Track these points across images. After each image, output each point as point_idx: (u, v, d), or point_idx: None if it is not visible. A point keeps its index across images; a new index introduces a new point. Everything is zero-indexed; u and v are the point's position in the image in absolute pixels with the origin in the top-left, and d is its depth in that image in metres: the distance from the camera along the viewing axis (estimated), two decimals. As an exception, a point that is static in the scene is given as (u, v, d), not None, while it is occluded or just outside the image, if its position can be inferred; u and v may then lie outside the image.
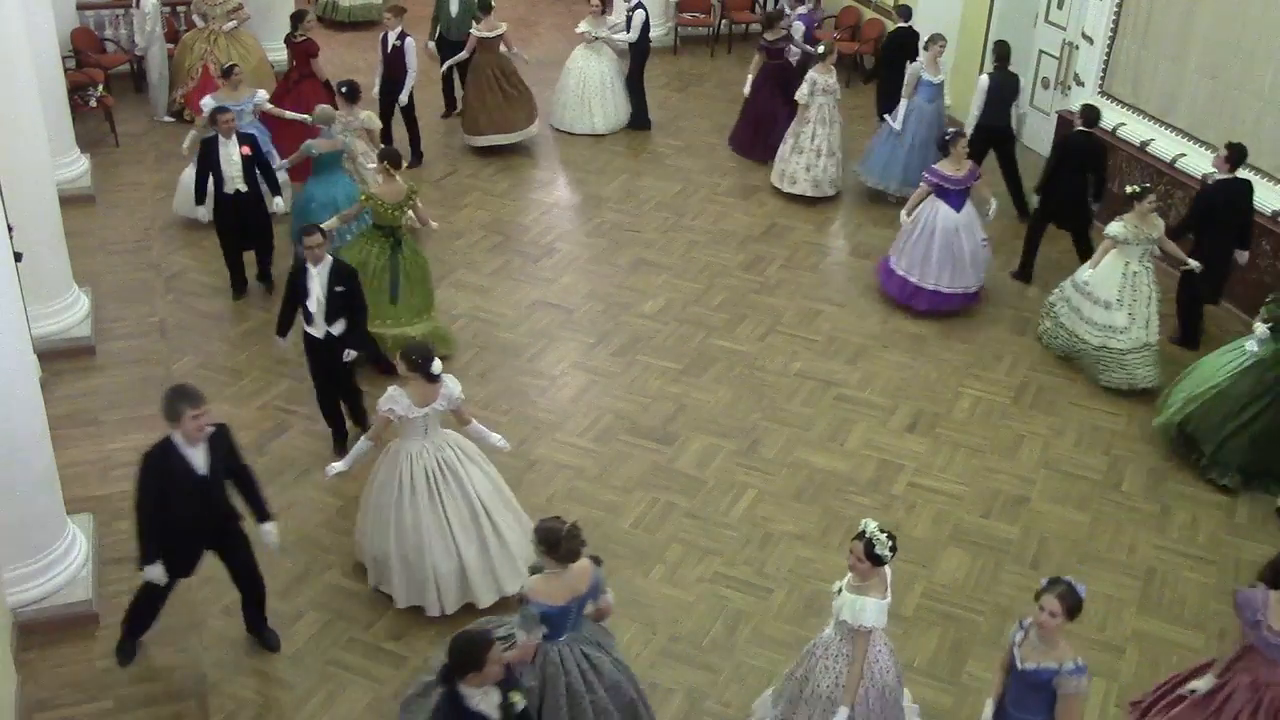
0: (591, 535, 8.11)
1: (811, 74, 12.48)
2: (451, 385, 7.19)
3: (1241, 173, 9.95)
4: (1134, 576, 8.02)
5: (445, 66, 13.80)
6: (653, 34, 16.62)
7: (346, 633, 7.34)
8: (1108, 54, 12.31)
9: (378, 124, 11.64)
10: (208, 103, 11.03)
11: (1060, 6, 13.14)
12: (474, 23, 13.16)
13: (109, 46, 14.76)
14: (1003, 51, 12.04)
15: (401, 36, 12.72)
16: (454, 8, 13.54)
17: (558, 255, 11.68)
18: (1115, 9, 12.13)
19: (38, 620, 7.17)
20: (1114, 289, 9.61)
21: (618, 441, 9.11)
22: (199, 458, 6.41)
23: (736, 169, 13.60)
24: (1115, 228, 9.53)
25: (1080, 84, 12.60)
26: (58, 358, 9.59)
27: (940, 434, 9.32)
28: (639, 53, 14.29)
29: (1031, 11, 13.55)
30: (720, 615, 7.56)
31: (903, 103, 12.50)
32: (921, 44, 12.76)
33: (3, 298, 6.84)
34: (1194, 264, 9.74)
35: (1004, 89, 11.98)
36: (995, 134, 12.10)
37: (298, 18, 12.88)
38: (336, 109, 11.27)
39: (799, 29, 13.70)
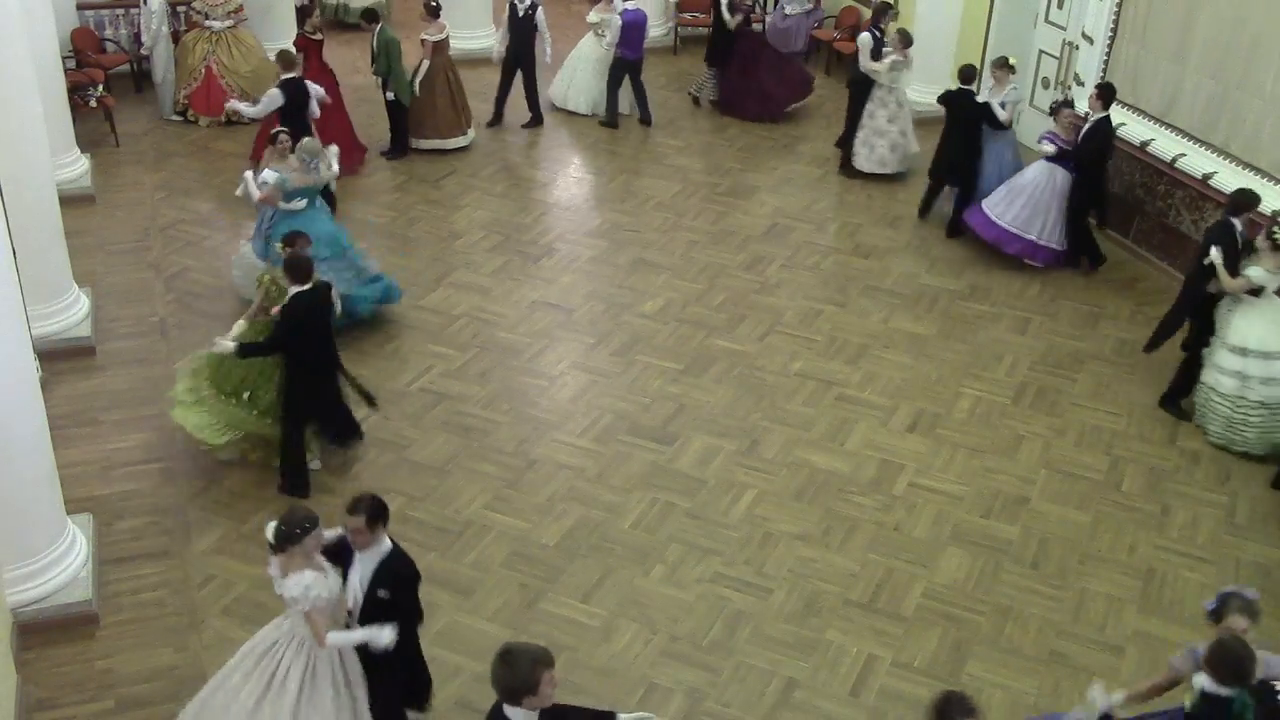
0: (591, 535, 8.18)
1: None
2: (291, 585, 5.64)
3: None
4: (1134, 576, 8.02)
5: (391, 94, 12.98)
6: (653, 34, 16.68)
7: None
8: (1107, 54, 12.29)
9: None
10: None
11: (1060, 6, 13.14)
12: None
13: (109, 46, 14.76)
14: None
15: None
16: (374, 42, 12.68)
17: (558, 255, 11.68)
18: (1115, 9, 12.11)
19: (38, 620, 7.16)
20: None
21: (618, 441, 9.11)
22: None
23: (736, 169, 13.60)
24: (1256, 271, 8.85)
25: (1080, 84, 12.58)
26: (58, 358, 9.58)
27: (940, 434, 9.31)
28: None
29: (1031, 11, 13.54)
30: (720, 615, 7.56)
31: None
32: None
33: (3, 298, 6.83)
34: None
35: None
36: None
37: (305, 12, 13.04)
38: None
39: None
